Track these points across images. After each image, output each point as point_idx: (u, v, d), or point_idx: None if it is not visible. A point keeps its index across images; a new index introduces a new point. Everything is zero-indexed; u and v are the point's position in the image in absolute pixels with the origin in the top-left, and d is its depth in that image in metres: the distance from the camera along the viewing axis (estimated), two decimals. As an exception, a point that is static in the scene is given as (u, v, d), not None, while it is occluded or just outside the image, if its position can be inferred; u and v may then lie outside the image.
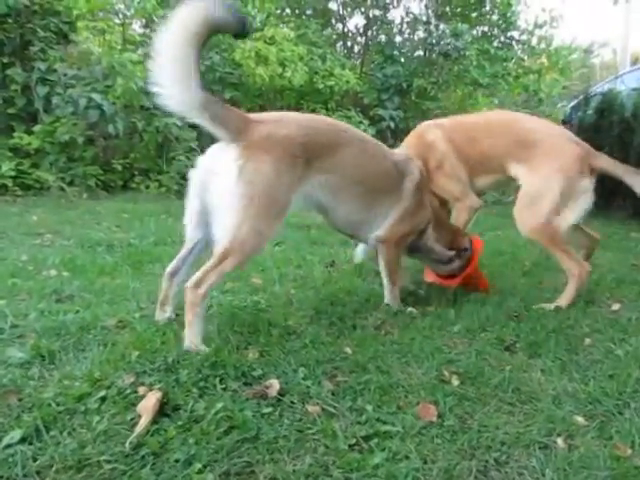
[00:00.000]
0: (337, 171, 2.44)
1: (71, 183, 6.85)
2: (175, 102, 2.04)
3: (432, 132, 3.41)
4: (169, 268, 2.35)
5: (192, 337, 2.04)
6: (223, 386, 1.81)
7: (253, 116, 2.30)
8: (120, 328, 2.27)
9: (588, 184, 3.00)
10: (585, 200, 3.00)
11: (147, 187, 7.32)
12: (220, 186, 2.12)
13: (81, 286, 2.85)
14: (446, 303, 2.90)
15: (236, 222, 2.08)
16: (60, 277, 3.07)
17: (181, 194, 7.41)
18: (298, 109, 8.96)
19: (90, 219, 5.32)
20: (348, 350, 2.15)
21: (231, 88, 8.10)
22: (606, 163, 3.06)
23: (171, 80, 2.01)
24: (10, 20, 7.33)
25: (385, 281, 2.81)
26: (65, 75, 7.17)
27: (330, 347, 2.17)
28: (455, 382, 1.98)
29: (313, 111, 8.58)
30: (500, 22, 11.14)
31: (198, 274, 2.10)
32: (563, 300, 2.98)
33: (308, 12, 10.39)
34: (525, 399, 1.90)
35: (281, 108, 9.19)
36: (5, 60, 7.38)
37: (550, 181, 2.97)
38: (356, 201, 2.58)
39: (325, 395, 1.81)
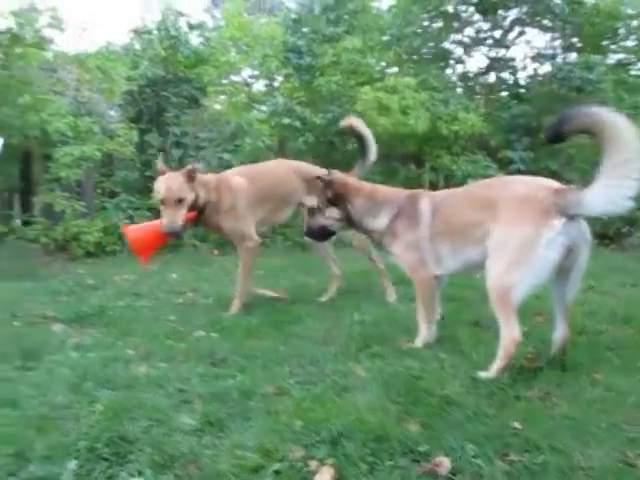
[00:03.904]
0: None
1: (203, 240, 7.38)
2: None
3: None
4: None
5: None
6: (391, 462, 1.83)
7: None
8: (278, 395, 2.38)
9: None
10: None
11: (273, 241, 7.69)
12: None
13: (232, 349, 3.03)
14: (613, 370, 2.73)
15: None
16: (210, 338, 3.30)
17: (305, 247, 7.69)
18: (420, 155, 9.04)
19: (224, 276, 5.65)
20: (516, 425, 2.08)
21: (352, 139, 8.36)
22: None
23: None
24: (148, 90, 8.22)
25: None
26: (197, 137, 7.85)
27: (496, 420, 2.12)
28: (643, 466, 1.85)
29: (437, 157, 8.61)
30: (637, 48, 10.62)
31: None
32: None
33: (426, 57, 10.56)
34: None
35: (403, 155, 9.34)
36: (143, 127, 8.25)
37: None
38: None
39: (500, 477, 1.77)
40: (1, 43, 8.39)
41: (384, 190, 3.40)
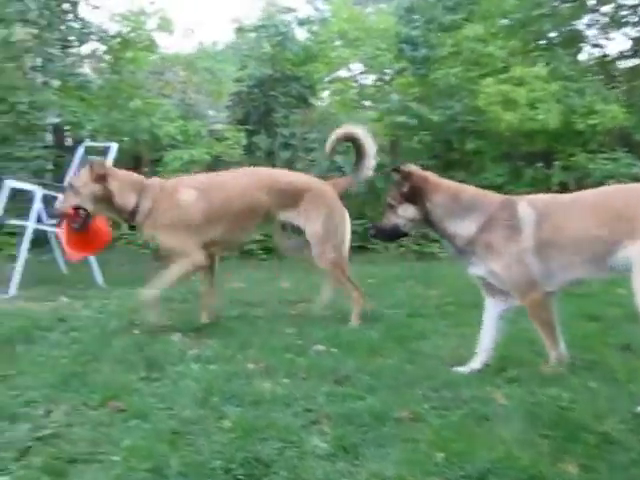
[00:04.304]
0: None
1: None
2: None
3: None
4: None
5: None
6: (548, 506, 1.77)
7: None
8: (413, 421, 2.37)
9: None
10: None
11: (386, 248, 7.70)
12: None
13: (355, 366, 3.07)
14: None
15: None
16: (330, 354, 3.35)
17: (421, 255, 7.65)
18: (550, 153, 8.68)
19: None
20: (695, 474, 1.95)
21: (472, 137, 8.21)
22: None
23: None
24: (256, 90, 8.53)
25: None
26: (305, 139, 8.02)
27: (668, 466, 1.99)
28: None
29: (571, 155, 8.22)
30: None
31: None
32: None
33: (556, 42, 10.11)
34: None
35: (529, 154, 9.01)
36: (251, 128, 8.56)
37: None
38: None
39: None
40: (112, 47, 9.06)
41: (472, 191, 3.15)
